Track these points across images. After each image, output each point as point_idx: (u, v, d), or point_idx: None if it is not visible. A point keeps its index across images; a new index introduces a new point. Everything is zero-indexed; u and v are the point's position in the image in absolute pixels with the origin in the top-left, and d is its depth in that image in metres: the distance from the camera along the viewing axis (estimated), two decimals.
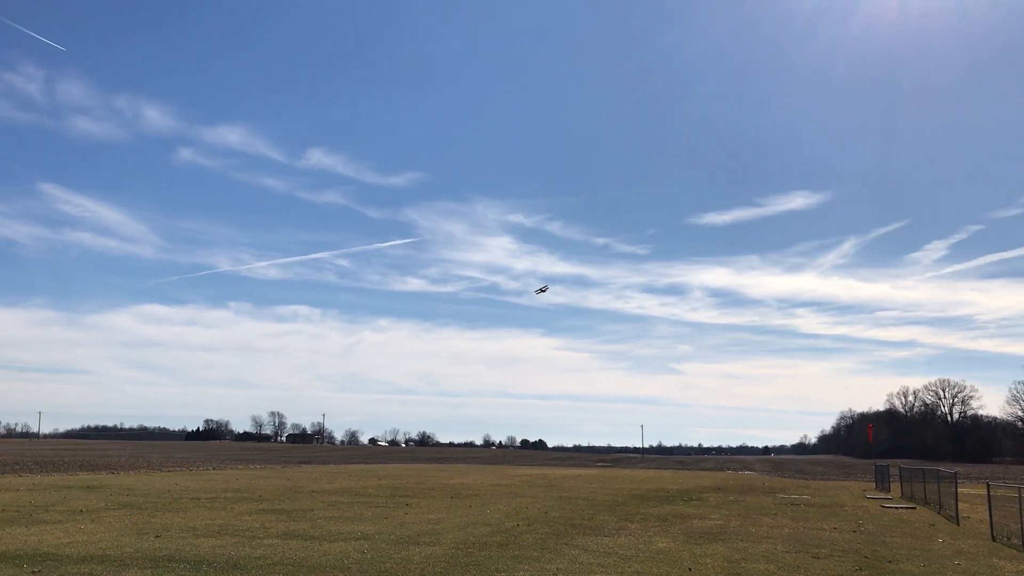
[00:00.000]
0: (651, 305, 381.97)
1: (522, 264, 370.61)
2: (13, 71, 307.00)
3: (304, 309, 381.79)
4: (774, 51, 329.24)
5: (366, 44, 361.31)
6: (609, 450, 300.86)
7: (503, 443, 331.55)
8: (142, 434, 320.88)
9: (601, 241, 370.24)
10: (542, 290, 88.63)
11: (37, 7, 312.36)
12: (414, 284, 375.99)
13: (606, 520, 28.45)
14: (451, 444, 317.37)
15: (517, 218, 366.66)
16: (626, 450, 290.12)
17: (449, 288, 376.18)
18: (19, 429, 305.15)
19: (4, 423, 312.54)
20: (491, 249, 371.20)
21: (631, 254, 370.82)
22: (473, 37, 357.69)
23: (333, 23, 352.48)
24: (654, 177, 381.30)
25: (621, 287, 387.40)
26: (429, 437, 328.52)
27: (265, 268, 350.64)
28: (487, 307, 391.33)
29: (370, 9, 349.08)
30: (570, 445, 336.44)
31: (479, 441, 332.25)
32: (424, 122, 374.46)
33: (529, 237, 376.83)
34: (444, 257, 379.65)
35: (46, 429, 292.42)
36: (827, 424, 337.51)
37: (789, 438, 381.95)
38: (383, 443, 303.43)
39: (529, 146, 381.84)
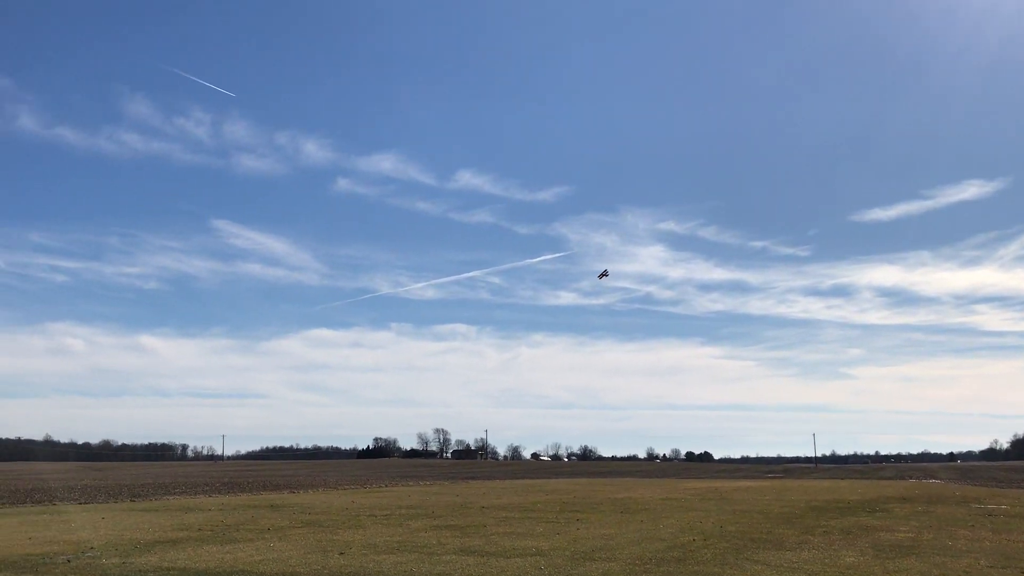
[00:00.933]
0: (816, 308, 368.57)
1: (676, 272, 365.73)
2: (184, 116, 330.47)
3: (461, 327, 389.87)
4: (933, 33, 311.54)
5: (508, 65, 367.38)
6: (779, 460, 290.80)
7: (667, 456, 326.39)
8: (316, 453, 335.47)
9: (758, 244, 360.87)
10: (603, 275, 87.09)
11: (203, 57, 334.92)
12: (567, 298, 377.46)
13: (786, 534, 27.29)
14: (614, 458, 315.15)
15: (668, 226, 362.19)
16: (797, 460, 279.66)
17: (602, 300, 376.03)
18: (205, 452, 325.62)
19: (192, 447, 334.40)
20: (643, 259, 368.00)
21: (791, 256, 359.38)
22: (612, 46, 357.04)
23: (473, 47, 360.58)
24: (811, 174, 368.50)
25: (783, 291, 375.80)
26: (591, 451, 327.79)
27: (422, 289, 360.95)
28: (642, 318, 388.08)
29: (509, 30, 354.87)
30: (737, 456, 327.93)
31: (642, 454, 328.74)
32: (568, 136, 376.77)
33: (682, 244, 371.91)
34: (596, 269, 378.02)
35: (229, 451, 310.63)
36: (1020, 428, 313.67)
37: (976, 443, 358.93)
38: (545, 457, 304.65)
39: (676, 152, 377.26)
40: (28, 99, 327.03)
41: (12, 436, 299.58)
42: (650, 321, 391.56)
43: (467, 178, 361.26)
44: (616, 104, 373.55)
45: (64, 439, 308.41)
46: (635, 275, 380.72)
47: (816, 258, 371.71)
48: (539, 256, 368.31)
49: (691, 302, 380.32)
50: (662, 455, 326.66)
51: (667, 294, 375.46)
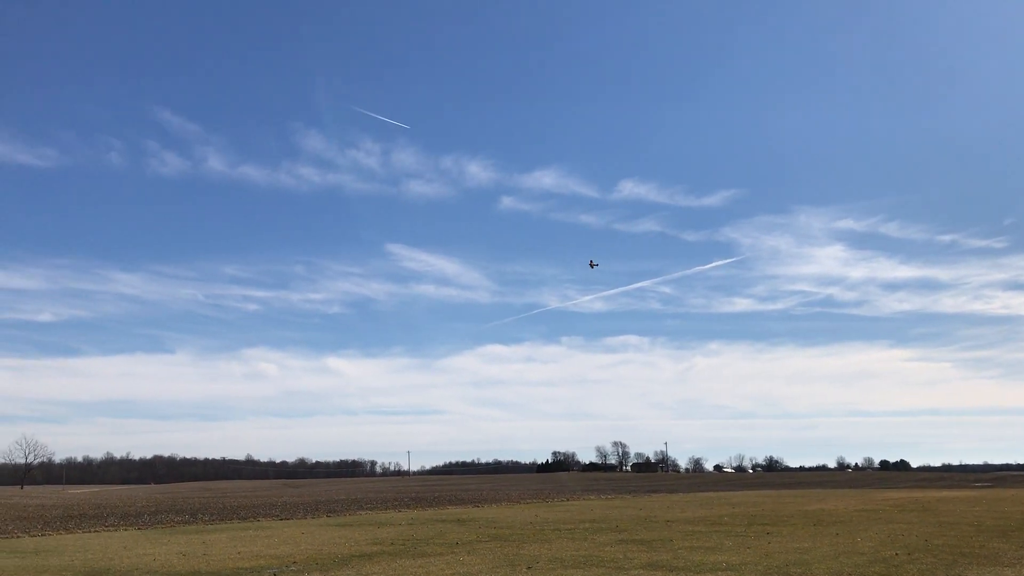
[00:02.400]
0: (1019, 304, 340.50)
1: (858, 272, 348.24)
2: (356, 148, 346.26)
3: (633, 339, 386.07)
4: None
5: (665, 70, 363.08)
6: (986, 468, 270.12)
7: (859, 465, 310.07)
8: (496, 468, 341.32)
9: (947, 238, 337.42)
10: (592, 264, 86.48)
11: (369, 91, 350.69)
12: (741, 304, 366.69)
13: (1001, 548, 25.19)
14: (801, 468, 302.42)
15: (846, 223, 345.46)
16: (1007, 467, 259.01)
17: (779, 305, 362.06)
18: (392, 467, 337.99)
19: (380, 463, 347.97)
20: (821, 260, 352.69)
21: (986, 248, 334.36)
22: (773, 42, 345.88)
23: (627, 55, 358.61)
24: (1004, 161, 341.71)
25: (978, 286, 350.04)
26: (777, 462, 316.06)
27: (591, 302, 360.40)
28: (824, 321, 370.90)
29: (664, 34, 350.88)
30: (937, 464, 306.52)
31: (832, 464, 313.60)
32: (732, 138, 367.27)
33: (863, 242, 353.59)
34: (770, 273, 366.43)
35: (415, 466, 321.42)
36: None
37: None
38: (729, 469, 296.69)
39: (850, 146, 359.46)
40: (215, 141, 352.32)
41: (218, 456, 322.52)
42: (832, 324, 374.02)
43: (630, 188, 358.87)
44: (781, 101, 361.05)
45: (263, 458, 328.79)
46: (813, 277, 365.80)
47: (1014, 249, 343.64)
48: (709, 263, 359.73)
49: (876, 303, 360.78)
50: (854, 464, 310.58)
51: (849, 295, 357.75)
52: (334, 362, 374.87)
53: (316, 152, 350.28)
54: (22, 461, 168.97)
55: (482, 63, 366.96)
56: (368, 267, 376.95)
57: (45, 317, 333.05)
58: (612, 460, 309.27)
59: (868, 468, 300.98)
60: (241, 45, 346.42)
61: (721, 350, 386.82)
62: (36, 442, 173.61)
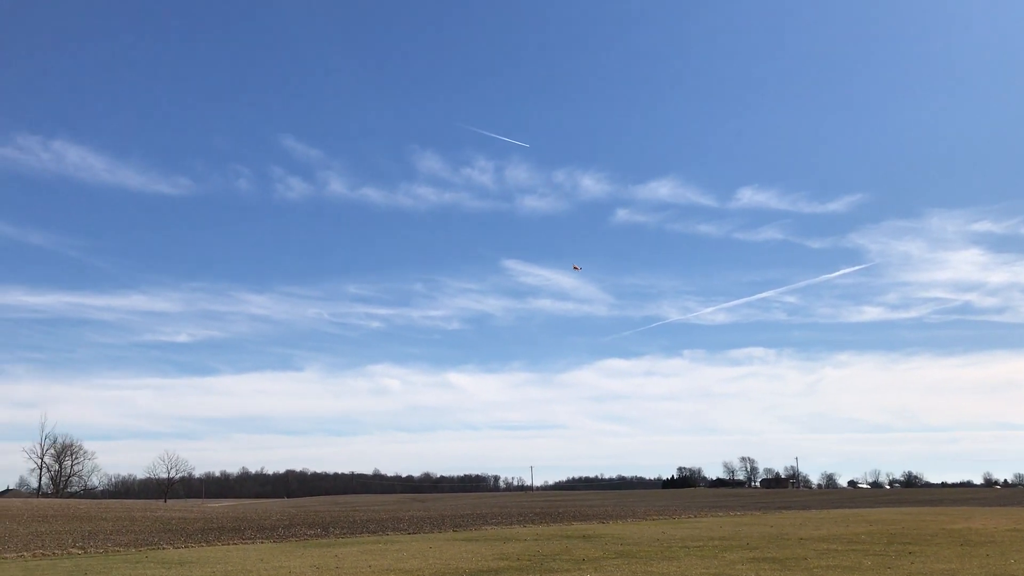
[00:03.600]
0: None
1: (998, 277, 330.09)
2: (470, 166, 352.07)
3: (758, 351, 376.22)
4: None
5: (781, 72, 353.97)
6: None
7: (1008, 481, 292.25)
8: (620, 483, 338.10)
9: None
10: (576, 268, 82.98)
11: (483, 110, 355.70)
12: (872, 313, 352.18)
13: None
14: (943, 484, 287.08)
15: (984, 226, 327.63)
16: None
17: (913, 313, 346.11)
18: (516, 482, 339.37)
19: (503, 477, 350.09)
20: (957, 265, 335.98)
21: None
22: (894, 38, 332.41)
23: (738, 58, 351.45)
24: None
25: None
26: (916, 477, 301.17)
27: (712, 313, 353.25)
28: (962, 329, 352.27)
29: (777, 35, 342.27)
30: None
31: (977, 480, 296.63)
32: (857, 140, 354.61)
33: (1002, 245, 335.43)
34: (902, 280, 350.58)
35: (538, 481, 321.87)
36: None
37: None
38: (864, 485, 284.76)
39: (985, 144, 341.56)
40: (336, 165, 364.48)
41: (346, 471, 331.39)
42: (972, 332, 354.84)
43: (749, 195, 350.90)
44: (909, 99, 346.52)
45: (390, 472, 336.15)
46: (949, 283, 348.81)
47: None
48: (836, 271, 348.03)
49: (1020, 308, 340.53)
50: (1003, 480, 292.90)
51: (989, 301, 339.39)
52: (455, 377, 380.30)
53: (432, 172, 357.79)
54: (164, 476, 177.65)
55: (591, 75, 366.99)
56: (485, 283, 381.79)
57: (183, 338, 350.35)
58: (740, 476, 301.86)
59: (1020, 485, 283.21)
60: (357, 71, 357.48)
61: (851, 361, 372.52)
62: (177, 457, 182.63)
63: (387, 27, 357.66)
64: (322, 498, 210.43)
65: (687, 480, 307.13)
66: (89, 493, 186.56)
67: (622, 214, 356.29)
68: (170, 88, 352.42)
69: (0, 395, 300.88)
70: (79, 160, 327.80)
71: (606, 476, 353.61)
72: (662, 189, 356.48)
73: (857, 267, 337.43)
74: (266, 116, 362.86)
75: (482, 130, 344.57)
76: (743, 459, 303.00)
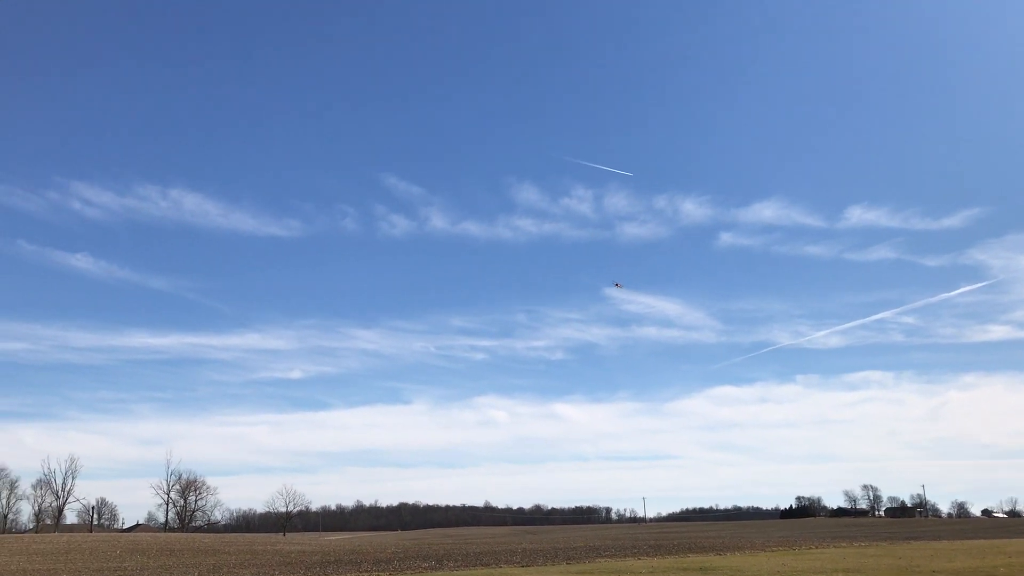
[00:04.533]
0: None
1: None
2: (568, 196, 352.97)
3: (875, 374, 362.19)
4: None
5: (889, 90, 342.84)
6: None
7: None
8: (736, 514, 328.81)
9: None
10: (617, 285, 78.15)
11: (580, 140, 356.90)
12: (998, 332, 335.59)
13: None
14: None
15: None
16: None
17: None
18: (628, 514, 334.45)
19: (615, 509, 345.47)
20: None
21: None
22: (1009, 43, 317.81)
23: (849, 77, 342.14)
24: None
25: None
26: None
27: (825, 337, 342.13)
28: None
29: (882, 53, 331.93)
30: None
31: None
32: (973, 152, 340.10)
33: None
34: None
35: (650, 512, 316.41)
36: None
37: None
38: (1000, 514, 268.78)
39: None
40: (436, 201, 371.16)
41: (457, 503, 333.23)
42: None
43: (859, 214, 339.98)
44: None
45: (500, 504, 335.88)
46: None
47: None
48: (956, 289, 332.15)
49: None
50: None
51: None
52: (561, 408, 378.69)
53: (530, 203, 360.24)
54: (283, 509, 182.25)
55: (687, 100, 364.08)
56: (588, 312, 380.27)
57: (296, 374, 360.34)
58: (862, 505, 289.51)
59: None
60: (453, 109, 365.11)
61: (978, 383, 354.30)
62: (294, 492, 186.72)
63: (480, 65, 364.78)
64: (435, 530, 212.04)
65: (806, 510, 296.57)
66: (212, 527, 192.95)
67: (726, 238, 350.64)
68: (277, 134, 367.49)
69: (128, 433, 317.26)
70: (195, 207, 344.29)
71: (721, 507, 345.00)
72: (766, 211, 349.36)
73: (979, 284, 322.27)
74: (369, 156, 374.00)
75: (581, 160, 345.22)
76: (865, 487, 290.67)
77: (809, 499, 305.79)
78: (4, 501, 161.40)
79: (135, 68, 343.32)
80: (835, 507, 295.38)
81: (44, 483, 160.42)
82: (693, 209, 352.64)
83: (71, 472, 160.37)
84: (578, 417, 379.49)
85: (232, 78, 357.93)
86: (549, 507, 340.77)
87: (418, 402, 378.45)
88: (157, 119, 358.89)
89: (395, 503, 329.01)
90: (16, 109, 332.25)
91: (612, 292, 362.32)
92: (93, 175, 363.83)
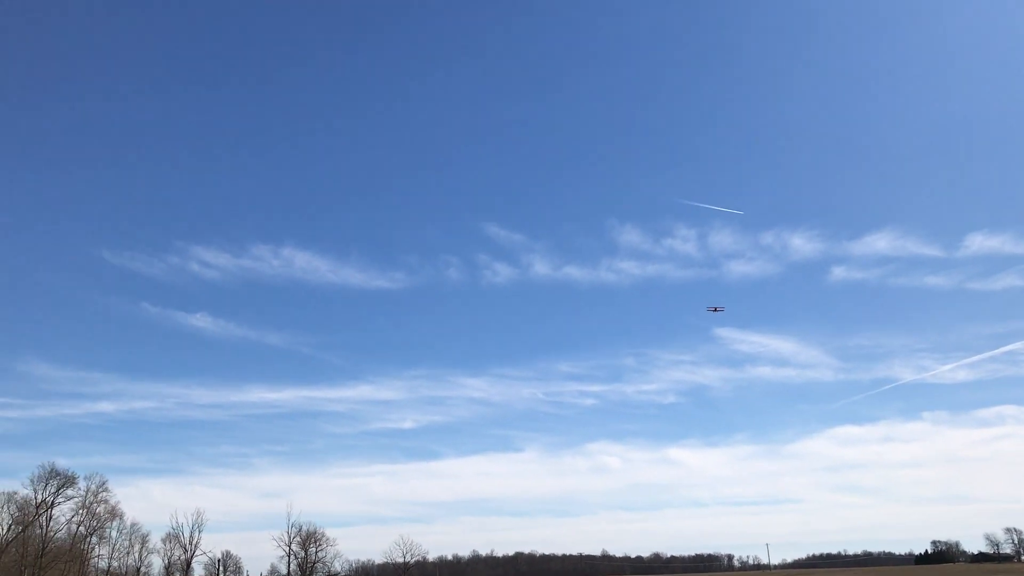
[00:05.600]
0: None
1: None
2: (671, 237, 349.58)
3: (1010, 409, 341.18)
4: None
5: (1004, 108, 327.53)
6: None
7: None
8: (867, 560, 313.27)
9: None
10: (715, 309, 73.24)
11: (681, 179, 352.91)
12: None
13: None
14: None
15: None
16: None
17: None
18: (751, 561, 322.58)
19: (737, 556, 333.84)
20: None
21: None
22: None
23: (960, 96, 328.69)
24: None
25: None
26: None
27: (952, 371, 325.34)
28: None
29: (997, 72, 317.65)
30: None
31: None
32: None
33: None
34: None
35: (775, 560, 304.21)
36: None
37: None
38: None
39: None
40: (538, 248, 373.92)
41: (574, 552, 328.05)
42: None
43: (980, 241, 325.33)
44: None
45: (618, 552, 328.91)
46: None
47: None
48: None
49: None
50: None
51: None
52: (675, 452, 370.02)
53: (633, 245, 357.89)
54: (400, 560, 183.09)
55: (790, 134, 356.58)
56: (698, 353, 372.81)
57: (408, 424, 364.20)
58: (1006, 549, 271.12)
59: None
60: (550, 154, 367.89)
61: None
62: (411, 541, 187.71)
63: (574, 108, 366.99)
64: None
65: (943, 555, 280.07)
66: None
67: (838, 272, 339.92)
68: (380, 190, 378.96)
69: (249, 486, 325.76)
70: (306, 264, 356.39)
71: (850, 552, 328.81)
72: (879, 242, 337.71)
73: None
74: (470, 207, 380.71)
75: (685, 200, 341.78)
76: (1008, 530, 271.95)
77: (946, 543, 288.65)
78: (136, 555, 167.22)
79: (243, 130, 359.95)
80: (976, 552, 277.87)
81: (173, 537, 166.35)
82: (802, 244, 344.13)
83: (198, 526, 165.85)
84: (693, 462, 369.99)
85: (338, 138, 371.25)
86: (668, 555, 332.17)
87: (529, 449, 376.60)
88: (267, 181, 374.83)
89: (511, 552, 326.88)
90: (137, 182, 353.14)
91: (722, 332, 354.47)
92: (210, 238, 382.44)
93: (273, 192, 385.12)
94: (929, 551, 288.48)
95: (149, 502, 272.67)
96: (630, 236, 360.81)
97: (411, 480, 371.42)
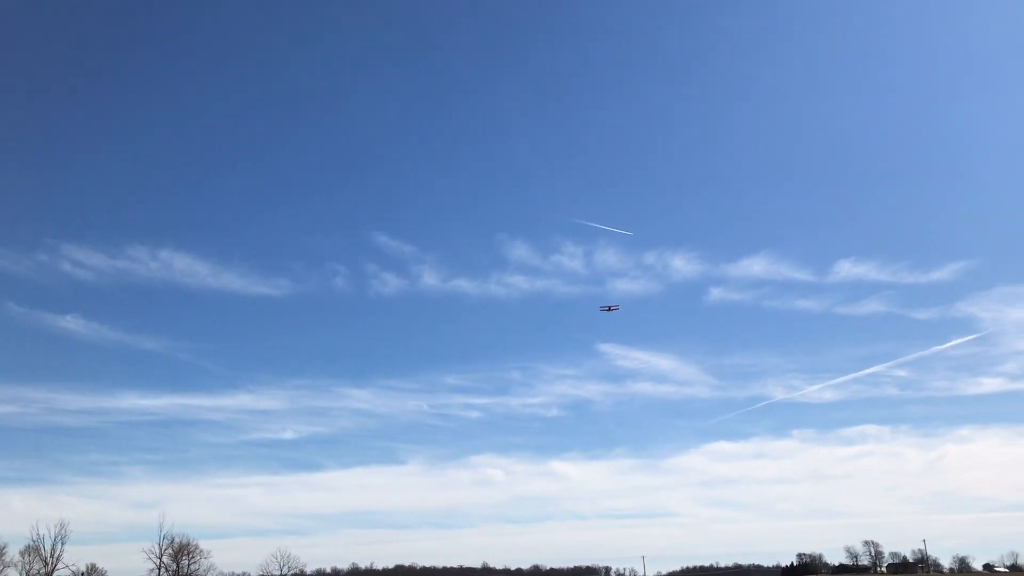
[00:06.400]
0: None
1: None
2: (559, 253, 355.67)
3: (871, 428, 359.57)
4: None
5: (875, 144, 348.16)
6: None
7: None
8: (737, 572, 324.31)
9: None
10: (609, 308, 77.98)
11: (570, 196, 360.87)
12: (991, 384, 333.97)
13: None
14: None
15: None
16: None
17: None
18: (627, 573, 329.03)
19: (614, 568, 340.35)
20: None
21: None
22: (993, 103, 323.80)
23: (832, 132, 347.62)
24: None
25: None
26: None
27: (819, 391, 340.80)
28: None
29: (860, 108, 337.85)
30: None
31: None
32: (960, 206, 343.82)
33: None
34: (1020, 348, 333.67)
35: (650, 571, 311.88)
36: None
37: None
38: (1002, 568, 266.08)
39: None
40: (428, 259, 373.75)
41: (455, 564, 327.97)
42: None
43: (848, 268, 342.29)
44: (1013, 163, 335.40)
45: (498, 565, 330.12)
46: None
47: None
48: (947, 341, 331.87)
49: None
50: None
51: None
52: (558, 465, 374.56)
53: (522, 260, 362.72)
54: (277, 573, 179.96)
55: (674, 157, 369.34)
56: (583, 368, 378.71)
57: (289, 435, 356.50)
58: (864, 561, 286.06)
59: None
60: (444, 166, 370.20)
61: (974, 436, 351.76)
62: (289, 554, 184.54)
63: (469, 123, 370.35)
64: None
65: (808, 567, 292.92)
66: None
67: (716, 293, 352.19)
68: (266, 193, 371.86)
69: (119, 497, 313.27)
70: (185, 267, 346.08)
71: (721, 564, 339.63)
72: (755, 266, 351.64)
73: (970, 337, 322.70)
74: (360, 215, 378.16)
75: (577, 219, 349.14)
76: (866, 543, 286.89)
77: (810, 556, 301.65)
78: None
79: (122, 127, 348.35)
80: (837, 563, 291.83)
81: (32, 549, 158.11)
82: (683, 265, 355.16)
83: (60, 538, 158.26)
84: (575, 475, 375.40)
85: (221, 138, 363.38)
86: (547, 567, 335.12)
87: (413, 462, 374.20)
88: (146, 179, 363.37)
89: (391, 565, 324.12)
90: (3, 176, 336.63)
91: (606, 348, 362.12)
92: (84, 237, 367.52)
93: (153, 191, 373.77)
94: (795, 563, 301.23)
95: (8, 512, 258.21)
96: (519, 251, 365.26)
97: (291, 492, 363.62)
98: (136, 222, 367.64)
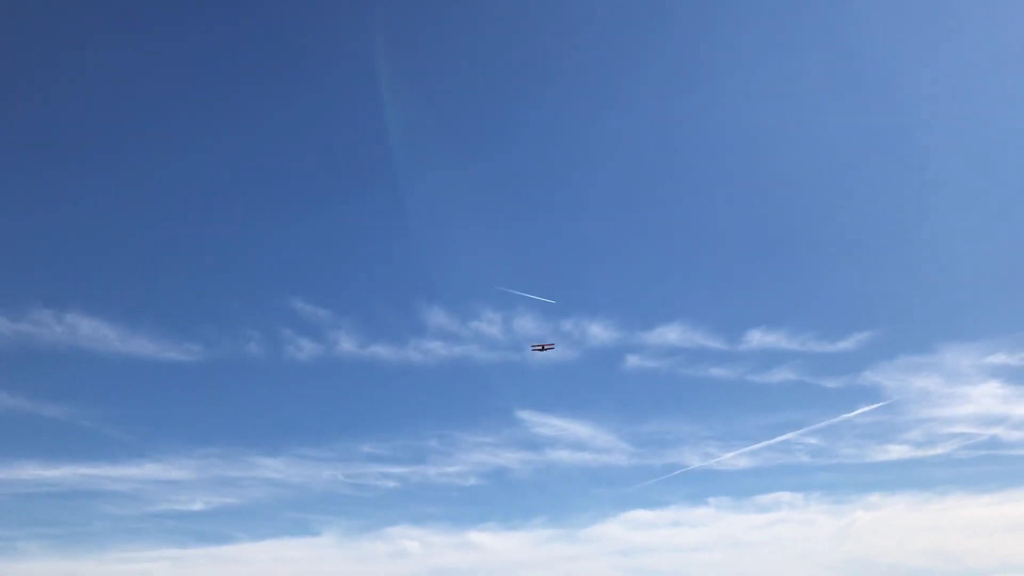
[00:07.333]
0: None
1: (1021, 410, 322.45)
2: (477, 319, 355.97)
3: (785, 495, 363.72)
4: None
5: (782, 220, 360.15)
6: None
7: None
8: None
9: None
10: (542, 348, 74.01)
11: (487, 262, 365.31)
12: (897, 451, 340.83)
13: None
14: None
15: (999, 359, 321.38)
16: None
17: (939, 450, 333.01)
18: None
19: None
20: (977, 399, 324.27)
21: None
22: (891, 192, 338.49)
23: (744, 206, 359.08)
24: None
25: None
26: None
27: (734, 458, 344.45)
28: (993, 465, 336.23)
29: (777, 186, 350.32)
30: None
31: None
32: (860, 280, 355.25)
33: (1020, 378, 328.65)
34: (924, 416, 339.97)
35: None
36: None
37: None
38: None
39: (994, 278, 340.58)
40: (345, 324, 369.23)
41: None
42: (1004, 468, 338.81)
43: (759, 337, 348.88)
44: (907, 238, 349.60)
45: None
46: (972, 418, 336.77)
47: None
48: (855, 409, 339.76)
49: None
50: None
51: (1016, 435, 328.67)
52: (476, 536, 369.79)
53: (440, 326, 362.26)
54: None
55: (591, 222, 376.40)
56: (501, 436, 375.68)
57: (198, 506, 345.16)
58: None
59: None
60: (361, 230, 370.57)
61: (882, 502, 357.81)
62: None
63: (385, 186, 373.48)
64: None
65: None
66: None
67: (633, 360, 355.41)
68: (178, 256, 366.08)
69: (15, 574, 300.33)
70: (91, 331, 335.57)
71: None
72: (670, 334, 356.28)
73: (876, 405, 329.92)
74: (275, 278, 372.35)
75: (499, 286, 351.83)
76: None
77: None
78: None
79: (26, 185, 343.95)
80: None
81: None
82: (600, 332, 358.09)
83: None
84: (493, 545, 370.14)
85: (129, 198, 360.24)
86: None
87: (327, 533, 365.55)
88: (52, 240, 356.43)
89: None
90: None
91: (524, 415, 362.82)
92: None
93: (59, 253, 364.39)
94: None
95: None
96: (437, 317, 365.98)
97: (199, 565, 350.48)
98: (41, 284, 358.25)
